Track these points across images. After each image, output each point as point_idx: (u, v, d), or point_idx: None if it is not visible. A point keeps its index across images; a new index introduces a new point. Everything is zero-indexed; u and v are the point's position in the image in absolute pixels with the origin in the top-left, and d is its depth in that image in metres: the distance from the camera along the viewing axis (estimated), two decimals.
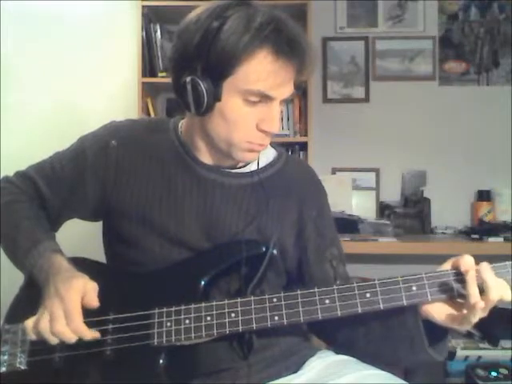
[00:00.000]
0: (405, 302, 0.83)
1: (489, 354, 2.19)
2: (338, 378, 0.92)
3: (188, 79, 0.91)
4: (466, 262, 0.85)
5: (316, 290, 0.86)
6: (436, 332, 0.89)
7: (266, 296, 0.87)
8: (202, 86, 0.90)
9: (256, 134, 0.94)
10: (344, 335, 1.00)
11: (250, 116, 0.92)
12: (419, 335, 0.89)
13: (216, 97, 0.90)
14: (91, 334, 0.89)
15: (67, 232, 1.16)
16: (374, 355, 0.99)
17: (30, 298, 0.95)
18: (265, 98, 0.91)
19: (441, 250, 2.23)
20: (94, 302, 0.89)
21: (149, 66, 2.57)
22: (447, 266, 0.88)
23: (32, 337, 0.90)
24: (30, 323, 0.90)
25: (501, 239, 2.26)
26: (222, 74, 0.89)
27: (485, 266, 0.84)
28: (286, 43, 0.88)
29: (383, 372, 0.95)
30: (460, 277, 0.84)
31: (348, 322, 0.89)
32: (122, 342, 0.90)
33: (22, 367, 0.92)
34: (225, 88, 0.90)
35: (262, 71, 0.88)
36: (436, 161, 2.73)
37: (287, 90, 0.94)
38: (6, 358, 0.93)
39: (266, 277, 0.96)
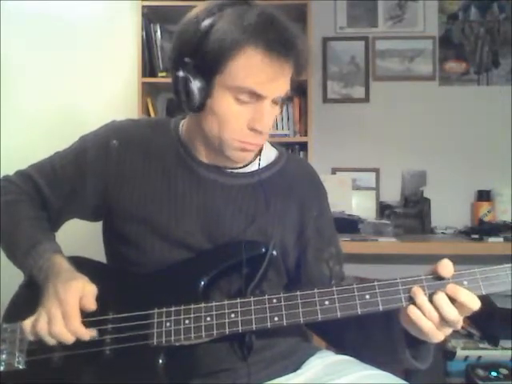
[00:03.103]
0: (404, 304, 0.83)
1: (489, 353, 2.19)
2: (338, 379, 0.92)
3: (180, 75, 0.92)
4: (445, 267, 0.82)
5: (316, 290, 0.86)
6: (420, 340, 0.87)
7: (266, 297, 0.87)
8: (194, 82, 0.91)
9: (247, 132, 0.94)
10: (335, 336, 1.01)
11: (240, 114, 0.92)
12: (401, 343, 0.88)
13: (207, 94, 0.91)
14: (89, 334, 0.88)
15: (67, 232, 1.16)
16: (361, 357, 0.99)
17: (29, 297, 0.95)
18: (255, 96, 0.91)
19: (441, 250, 2.24)
20: (91, 305, 0.89)
21: (149, 66, 2.57)
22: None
23: (30, 338, 0.90)
24: (27, 324, 0.90)
25: (501, 239, 2.27)
26: (212, 70, 0.90)
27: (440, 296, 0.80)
28: (277, 40, 0.88)
29: (383, 372, 0.95)
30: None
31: (338, 324, 0.88)
32: (122, 342, 0.90)
33: (21, 366, 0.92)
34: (216, 85, 0.91)
35: (249, 67, 0.88)
36: (436, 161, 2.73)
37: (278, 88, 0.92)
38: (4, 357, 0.93)
39: (266, 277, 0.96)
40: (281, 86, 0.93)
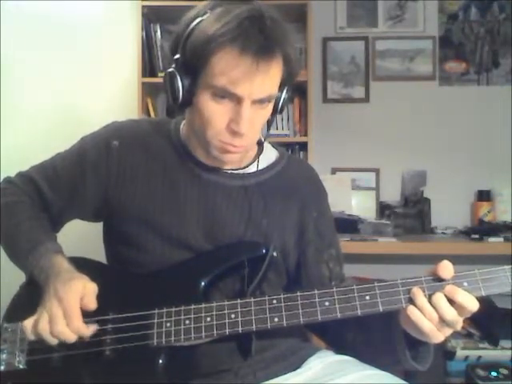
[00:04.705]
0: (404, 305, 0.83)
1: (489, 353, 2.19)
2: (338, 378, 0.92)
3: (169, 72, 0.92)
4: (445, 268, 0.82)
5: (316, 291, 0.86)
6: (420, 342, 0.87)
7: (266, 297, 0.87)
8: (179, 78, 0.91)
9: (226, 133, 0.92)
10: (335, 337, 1.01)
11: (219, 113, 0.91)
12: (401, 344, 0.89)
13: (191, 90, 0.91)
14: (90, 330, 0.89)
15: (67, 232, 1.16)
16: (361, 358, 0.99)
17: (30, 297, 0.95)
18: (231, 95, 0.89)
19: (441, 250, 2.24)
20: (91, 304, 0.89)
21: (149, 66, 2.57)
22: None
23: (31, 337, 0.90)
24: (28, 324, 0.90)
25: (501, 239, 2.27)
26: (196, 67, 0.90)
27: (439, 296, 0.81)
28: (255, 38, 0.85)
29: (383, 372, 0.95)
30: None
31: (337, 325, 0.88)
32: (122, 342, 0.90)
33: (21, 366, 0.92)
34: (199, 82, 0.90)
35: (225, 65, 0.87)
36: (436, 161, 2.72)
37: (256, 89, 0.88)
38: (4, 356, 0.93)
39: (266, 278, 0.96)
40: (259, 86, 0.88)
